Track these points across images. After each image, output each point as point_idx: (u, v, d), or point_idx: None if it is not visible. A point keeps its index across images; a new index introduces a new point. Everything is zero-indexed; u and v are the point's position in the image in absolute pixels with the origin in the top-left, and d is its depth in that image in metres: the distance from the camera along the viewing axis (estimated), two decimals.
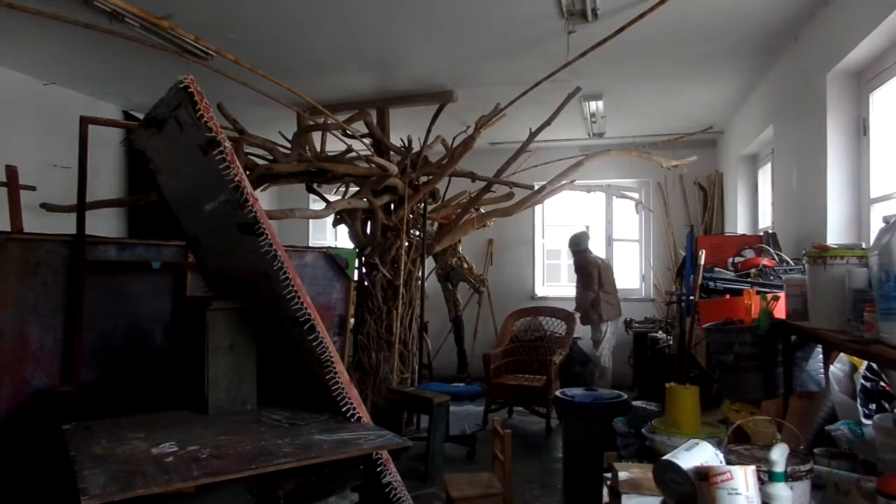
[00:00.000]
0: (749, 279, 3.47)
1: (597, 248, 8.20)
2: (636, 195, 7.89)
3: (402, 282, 5.39)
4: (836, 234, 3.46)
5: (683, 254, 4.80)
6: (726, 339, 2.62)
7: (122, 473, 1.93)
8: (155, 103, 2.55)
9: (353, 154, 5.41)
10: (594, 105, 5.73)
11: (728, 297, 3.39)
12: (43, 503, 2.58)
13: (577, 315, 6.56)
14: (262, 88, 4.40)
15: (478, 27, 4.04)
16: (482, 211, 6.29)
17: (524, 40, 4.22)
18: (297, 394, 2.84)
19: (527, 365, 6.45)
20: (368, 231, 5.43)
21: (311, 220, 8.50)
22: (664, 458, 1.67)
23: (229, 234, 2.47)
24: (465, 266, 7.40)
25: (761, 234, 4.66)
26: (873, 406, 2.10)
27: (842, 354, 2.28)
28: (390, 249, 5.35)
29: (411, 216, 5.42)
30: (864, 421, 2.03)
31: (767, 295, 2.69)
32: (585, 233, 6.91)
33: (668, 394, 2.53)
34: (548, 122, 5.06)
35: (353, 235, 5.42)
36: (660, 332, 6.06)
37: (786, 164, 4.38)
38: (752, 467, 1.52)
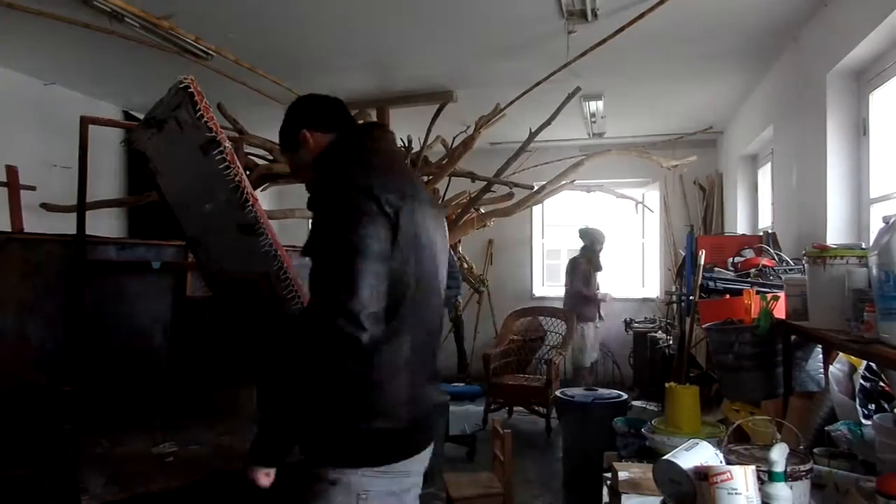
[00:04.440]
0: (749, 279, 3.47)
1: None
2: (636, 195, 7.88)
3: None
4: (836, 234, 3.46)
5: (683, 254, 4.80)
6: (726, 338, 2.62)
7: (122, 473, 1.93)
8: (155, 103, 2.55)
9: None
10: (594, 105, 5.73)
11: (728, 297, 3.39)
12: (43, 503, 2.58)
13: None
14: (262, 88, 4.40)
15: (478, 27, 4.04)
16: (482, 211, 6.29)
17: (524, 40, 4.22)
18: None
19: (527, 365, 6.45)
20: None
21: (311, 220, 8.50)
22: (664, 457, 1.67)
23: (229, 235, 2.47)
24: (465, 266, 7.40)
25: (761, 234, 4.65)
26: (872, 406, 2.10)
27: (841, 354, 2.28)
28: None
29: None
30: (864, 421, 2.03)
31: (767, 295, 2.68)
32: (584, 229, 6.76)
33: (668, 394, 2.53)
34: (548, 122, 5.06)
35: None
36: (660, 332, 6.06)
37: (786, 164, 4.38)
38: (752, 467, 1.52)
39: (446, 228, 1.76)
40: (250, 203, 2.22)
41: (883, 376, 2.18)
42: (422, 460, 1.59)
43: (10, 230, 3.60)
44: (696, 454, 1.65)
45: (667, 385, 2.59)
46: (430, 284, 1.59)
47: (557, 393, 4.58)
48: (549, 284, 8.33)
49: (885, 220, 1.77)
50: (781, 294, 2.66)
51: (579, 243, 6.72)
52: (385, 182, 1.50)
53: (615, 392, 4.51)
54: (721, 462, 1.64)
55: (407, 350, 1.51)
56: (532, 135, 5.23)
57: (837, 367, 2.29)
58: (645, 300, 7.72)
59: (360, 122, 1.81)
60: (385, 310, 1.45)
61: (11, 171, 3.99)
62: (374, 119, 5.52)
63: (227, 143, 2.23)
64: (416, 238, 1.52)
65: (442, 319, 1.69)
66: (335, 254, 1.44)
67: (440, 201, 6.21)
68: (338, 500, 1.45)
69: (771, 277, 3.41)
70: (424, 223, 1.57)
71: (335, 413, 1.47)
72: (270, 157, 4.92)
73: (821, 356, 2.52)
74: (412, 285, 1.51)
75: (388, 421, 1.49)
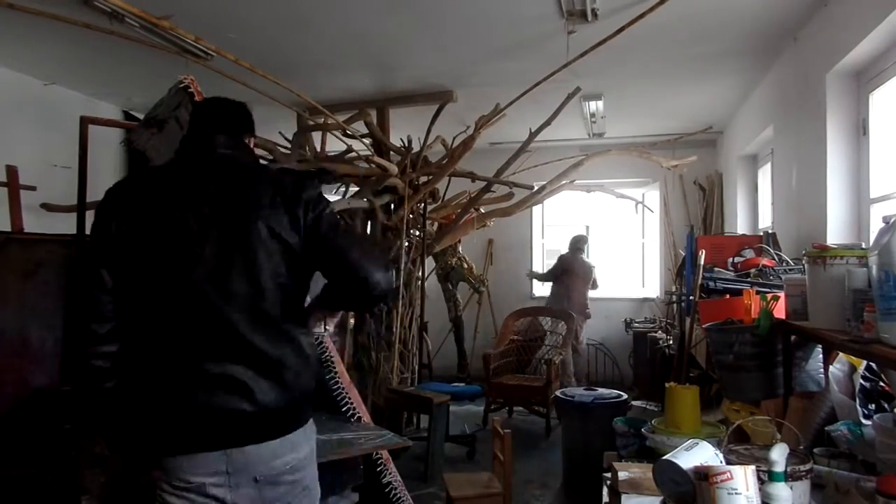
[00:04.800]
0: (749, 279, 3.47)
1: (597, 248, 8.24)
2: (636, 195, 7.89)
3: (402, 282, 5.39)
4: (835, 234, 3.46)
5: (683, 254, 4.80)
6: (726, 339, 2.63)
7: (122, 473, 1.93)
8: (155, 103, 2.56)
9: (353, 154, 5.41)
10: (594, 105, 5.73)
11: (728, 297, 3.39)
12: (43, 503, 2.58)
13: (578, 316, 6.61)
14: (262, 88, 4.39)
15: (478, 27, 4.04)
16: (482, 211, 6.30)
17: (524, 40, 4.22)
18: None
19: (527, 365, 6.46)
20: (368, 231, 5.44)
21: None
22: (664, 457, 1.67)
23: None
24: (465, 266, 7.40)
25: (761, 234, 4.66)
26: (872, 406, 2.10)
27: (841, 355, 2.28)
28: (390, 250, 5.35)
29: (411, 216, 5.42)
30: (864, 421, 2.03)
31: (767, 295, 2.69)
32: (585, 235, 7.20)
33: (668, 394, 2.53)
34: (548, 122, 5.06)
35: None
36: (660, 332, 6.06)
37: (786, 164, 4.38)
38: (752, 467, 1.52)
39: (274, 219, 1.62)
40: None
41: (883, 376, 2.18)
42: (200, 465, 1.56)
43: (10, 230, 3.60)
44: (696, 454, 1.65)
45: (667, 385, 2.59)
46: (197, 287, 1.56)
47: (557, 393, 4.58)
48: (549, 284, 8.31)
49: (885, 220, 1.78)
50: (781, 294, 2.67)
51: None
52: (141, 191, 1.62)
53: (615, 392, 4.51)
54: (721, 462, 1.64)
55: (154, 356, 1.57)
56: (532, 135, 5.23)
57: (837, 367, 2.30)
58: (645, 300, 7.73)
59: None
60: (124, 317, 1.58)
61: (11, 171, 3.99)
62: (374, 119, 5.52)
63: None
64: (173, 244, 1.56)
65: (232, 320, 1.57)
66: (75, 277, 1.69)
67: (440, 201, 6.21)
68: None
69: (771, 277, 3.41)
70: (196, 226, 1.58)
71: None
72: (270, 157, 4.92)
73: (821, 356, 2.53)
74: (158, 292, 1.57)
75: (141, 419, 1.59)
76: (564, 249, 7.16)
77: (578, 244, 7.01)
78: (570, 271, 6.87)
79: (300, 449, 1.66)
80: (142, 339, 1.58)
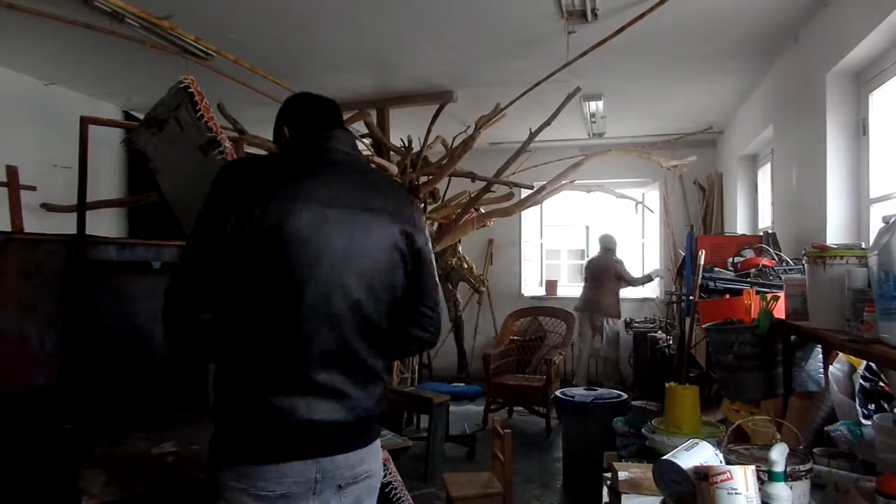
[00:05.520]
0: (749, 279, 3.47)
1: (596, 248, 8.24)
2: (636, 195, 7.89)
3: None
4: (835, 234, 3.46)
5: (683, 254, 4.80)
6: (726, 339, 2.62)
7: (122, 473, 1.93)
8: (155, 103, 2.55)
9: None
10: (594, 105, 5.73)
11: (728, 297, 3.39)
12: (43, 503, 2.58)
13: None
14: (262, 88, 4.40)
15: (478, 27, 4.04)
16: (482, 211, 6.29)
17: (524, 40, 4.22)
18: None
19: (527, 365, 6.46)
20: None
21: None
22: (664, 457, 1.67)
23: None
24: (465, 266, 7.40)
25: (761, 234, 4.66)
26: (872, 406, 2.10)
27: (840, 355, 2.28)
28: None
29: None
30: (864, 421, 2.03)
31: (767, 295, 2.69)
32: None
33: (668, 394, 2.53)
34: (548, 122, 5.06)
35: None
36: (660, 332, 6.06)
37: (785, 164, 4.38)
38: (752, 467, 1.52)
39: (395, 237, 1.59)
40: None
41: (883, 376, 2.18)
42: (288, 474, 1.47)
43: (10, 230, 3.60)
44: (696, 454, 1.65)
45: (667, 385, 2.59)
46: (314, 288, 1.47)
47: (557, 393, 4.58)
48: (546, 285, 8.33)
49: (885, 220, 1.77)
50: (781, 294, 2.66)
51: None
52: (268, 180, 1.49)
53: (615, 392, 4.52)
54: (721, 462, 1.64)
55: (255, 355, 1.46)
56: (532, 135, 5.23)
57: (837, 367, 2.30)
58: (645, 300, 7.72)
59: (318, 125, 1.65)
60: (227, 309, 1.47)
61: (11, 171, 3.99)
62: (374, 119, 5.52)
63: (227, 143, 2.23)
64: (296, 240, 1.45)
65: (343, 327, 1.51)
66: (187, 244, 1.54)
67: (440, 201, 6.21)
68: (209, 492, 1.52)
69: (771, 277, 3.41)
70: (320, 224, 1.49)
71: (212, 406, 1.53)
72: None
73: (821, 356, 2.52)
74: (271, 287, 1.46)
75: (228, 422, 1.49)
76: (564, 249, 7.18)
77: (608, 244, 7.05)
78: (601, 272, 6.88)
79: (379, 456, 1.67)
80: (241, 335, 1.47)
